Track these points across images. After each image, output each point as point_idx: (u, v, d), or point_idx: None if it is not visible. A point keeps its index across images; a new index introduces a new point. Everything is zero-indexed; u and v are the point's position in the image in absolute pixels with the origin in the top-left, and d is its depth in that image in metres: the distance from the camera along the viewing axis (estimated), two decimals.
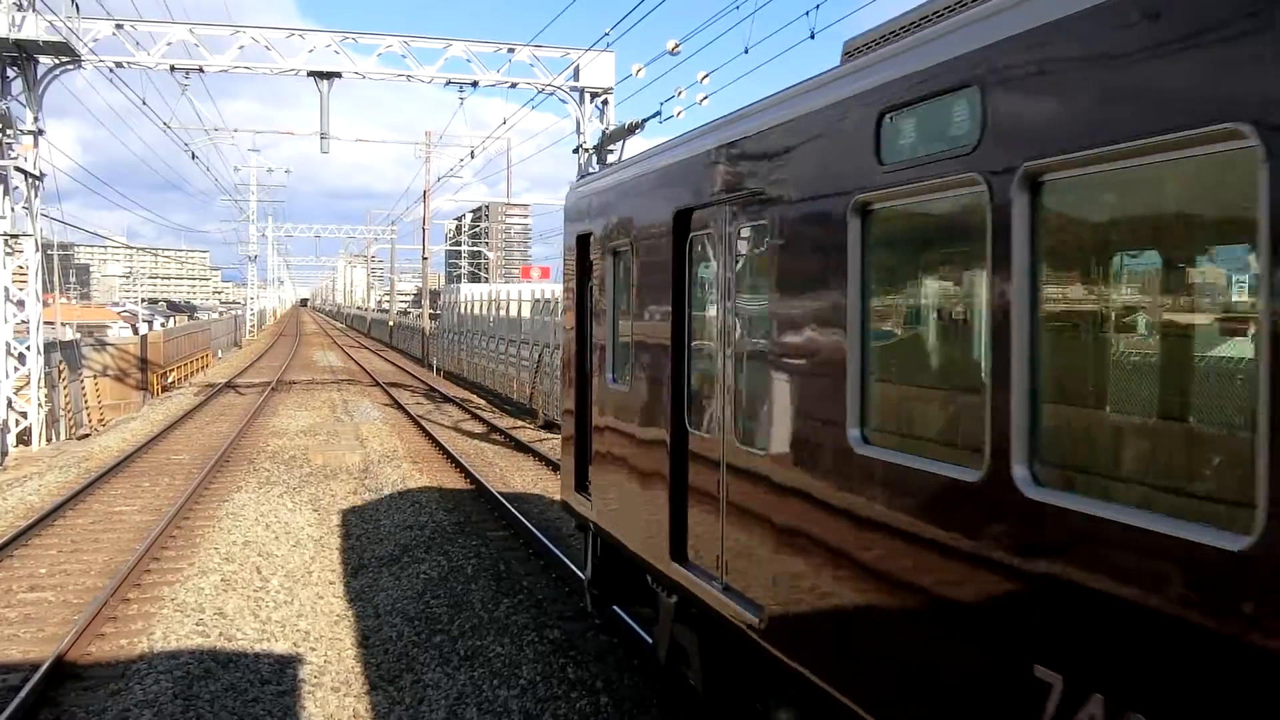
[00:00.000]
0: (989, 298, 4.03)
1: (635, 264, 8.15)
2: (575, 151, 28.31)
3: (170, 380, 46.55)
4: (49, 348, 29.29)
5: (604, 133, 27.16)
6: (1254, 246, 3.06)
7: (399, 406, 34.19)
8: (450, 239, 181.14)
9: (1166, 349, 3.96)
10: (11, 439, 25.84)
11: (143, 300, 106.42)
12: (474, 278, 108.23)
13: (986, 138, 4.07)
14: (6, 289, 25.97)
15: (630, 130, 25.05)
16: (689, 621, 7.37)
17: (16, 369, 26.45)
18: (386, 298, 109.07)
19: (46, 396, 27.72)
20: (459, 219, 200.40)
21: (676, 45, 21.62)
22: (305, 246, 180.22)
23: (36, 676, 9.64)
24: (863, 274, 4.99)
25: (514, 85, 28.45)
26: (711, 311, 6.95)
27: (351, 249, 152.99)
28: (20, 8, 24.01)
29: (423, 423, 29.28)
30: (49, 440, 27.64)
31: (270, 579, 13.47)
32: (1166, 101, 3.27)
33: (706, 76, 22.28)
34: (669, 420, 7.33)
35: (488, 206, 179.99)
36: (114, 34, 26.49)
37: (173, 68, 27.17)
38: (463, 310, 50.27)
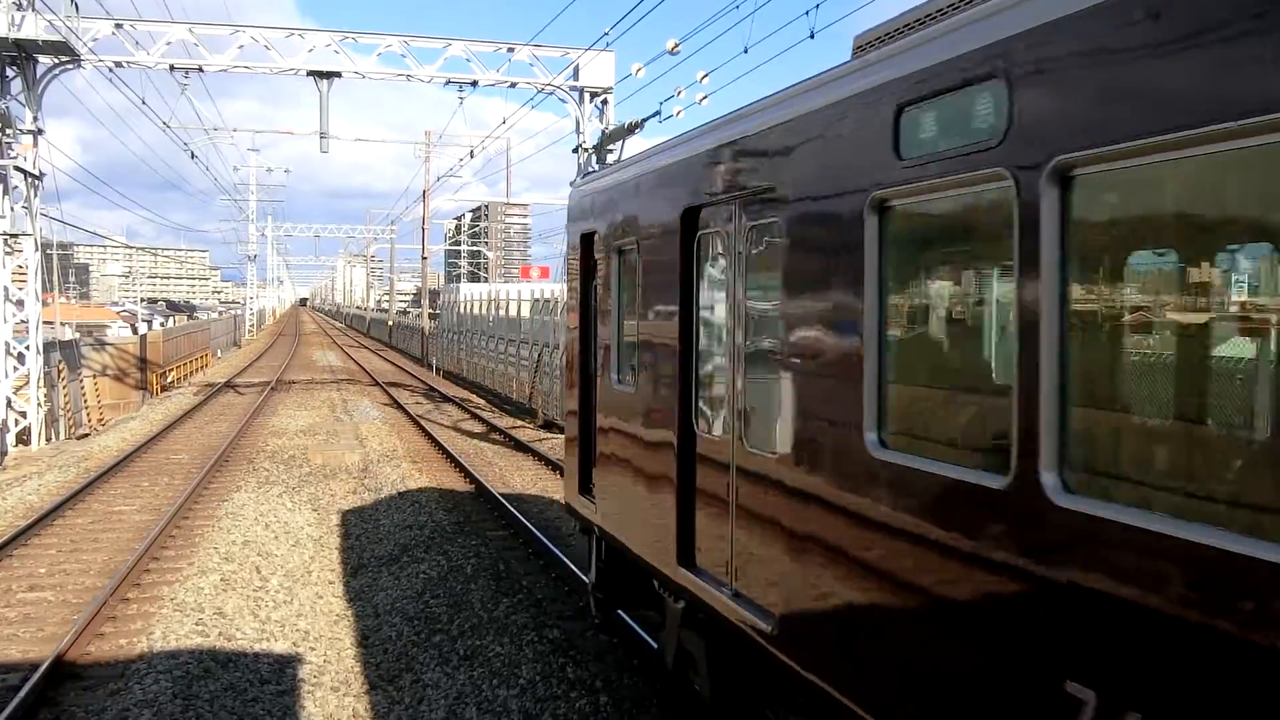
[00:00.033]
0: (1016, 297, 3.87)
1: (641, 263, 7.99)
2: (575, 151, 28.30)
3: (169, 380, 46.54)
4: (48, 347, 29.29)
5: (604, 132, 27.15)
6: None
7: (398, 406, 34.18)
8: (450, 239, 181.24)
9: (1205, 351, 3.80)
10: (11, 439, 25.83)
11: (142, 300, 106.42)
12: (473, 277, 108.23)
13: (1013, 131, 3.91)
14: (6, 288, 25.97)
15: (630, 130, 25.04)
16: (696, 627, 7.24)
17: (16, 369, 26.44)
18: (386, 297, 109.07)
19: (46, 396, 27.71)
20: (458, 219, 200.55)
21: (676, 45, 21.61)
22: (305, 246, 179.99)
23: (36, 676, 9.64)
24: (880, 272, 4.83)
25: (514, 85, 28.45)
26: (720, 311, 6.82)
27: (351, 249, 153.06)
28: (20, 7, 24.00)
29: (422, 422, 29.28)
30: (48, 440, 27.63)
31: (270, 579, 13.46)
32: (1215, 91, 3.09)
33: (706, 76, 22.27)
34: (676, 422, 7.19)
35: (487, 206, 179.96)
36: (113, 33, 26.48)
37: (172, 67, 27.15)
38: (462, 310, 50.27)
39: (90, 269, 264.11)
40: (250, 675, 10.07)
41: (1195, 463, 3.76)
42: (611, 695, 9.18)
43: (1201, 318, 3.79)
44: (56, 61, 26.05)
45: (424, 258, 70.00)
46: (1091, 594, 3.51)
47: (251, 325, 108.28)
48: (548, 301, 32.90)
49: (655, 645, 9.30)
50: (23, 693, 9.24)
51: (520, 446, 25.27)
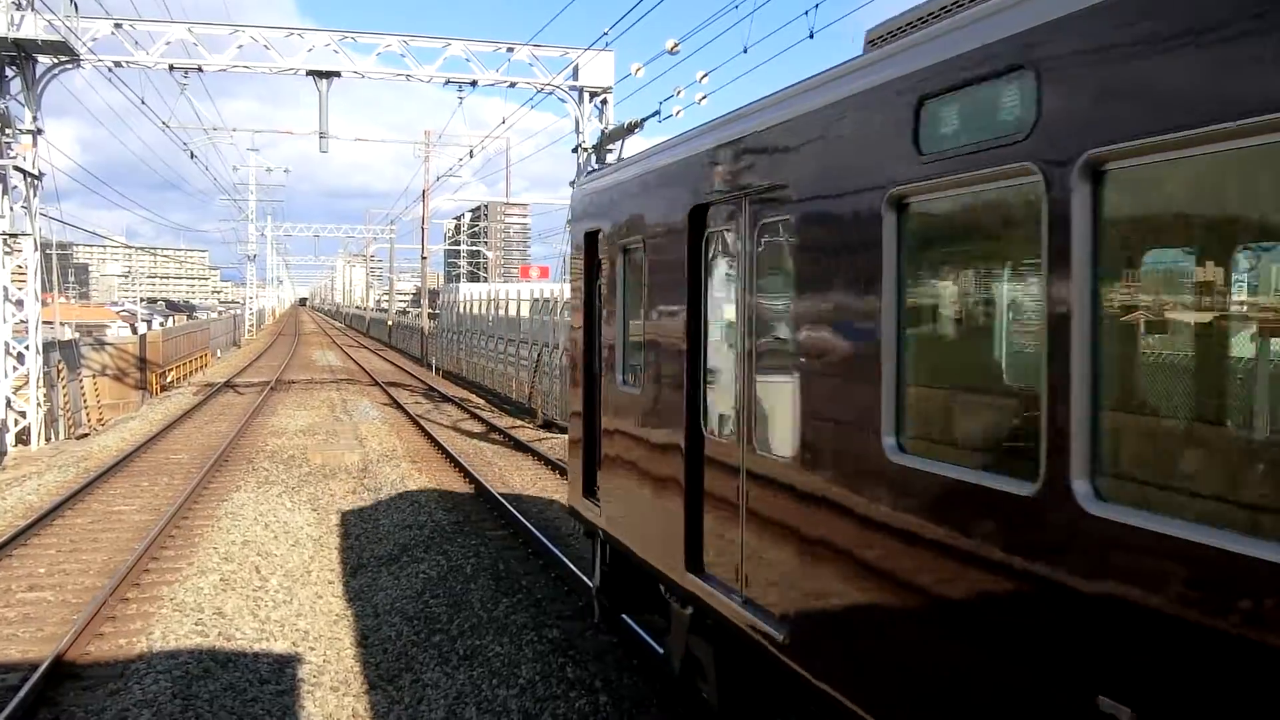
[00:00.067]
0: (1045, 296, 3.71)
1: (647, 262, 7.83)
2: (574, 151, 28.31)
3: (169, 380, 46.53)
4: (48, 347, 29.28)
5: (603, 132, 27.16)
6: None
7: (398, 406, 34.18)
8: (449, 238, 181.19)
9: (1247, 353, 3.66)
10: (10, 439, 25.83)
11: (141, 300, 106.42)
12: (473, 277, 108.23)
13: (1042, 124, 3.75)
14: (5, 288, 25.96)
15: (629, 129, 25.05)
16: (704, 634, 7.08)
17: (15, 368, 26.44)
18: (385, 297, 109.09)
19: (45, 396, 27.71)
20: (458, 218, 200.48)
21: (675, 44, 21.61)
22: (304, 246, 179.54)
23: (35, 676, 9.64)
24: (898, 270, 4.66)
25: (513, 85, 28.44)
26: (729, 311, 6.67)
27: (350, 248, 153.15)
28: (19, 7, 23.99)
29: (422, 422, 29.28)
30: (48, 440, 27.63)
31: (269, 578, 13.46)
32: (1261, 81, 2.93)
33: (705, 76, 22.27)
34: (683, 424, 7.02)
35: (487, 206, 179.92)
36: (113, 33, 26.47)
37: (171, 67, 27.15)
38: (462, 310, 50.28)
39: (90, 269, 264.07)
40: (250, 675, 10.07)
41: (1238, 469, 3.60)
42: (611, 695, 9.18)
43: (1243, 318, 3.67)
44: (56, 61, 26.04)
45: (423, 257, 70.03)
46: (1125, 607, 3.38)
47: (251, 325, 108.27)
48: (547, 301, 32.91)
49: (661, 651, 9.13)
50: (22, 693, 9.24)
51: (520, 446, 25.27)
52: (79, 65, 26.36)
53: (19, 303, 26.51)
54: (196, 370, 54.31)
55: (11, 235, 25.87)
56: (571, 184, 28.39)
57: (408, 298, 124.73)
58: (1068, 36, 3.66)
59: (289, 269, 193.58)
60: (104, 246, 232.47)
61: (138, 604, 12.39)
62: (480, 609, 11.78)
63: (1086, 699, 3.50)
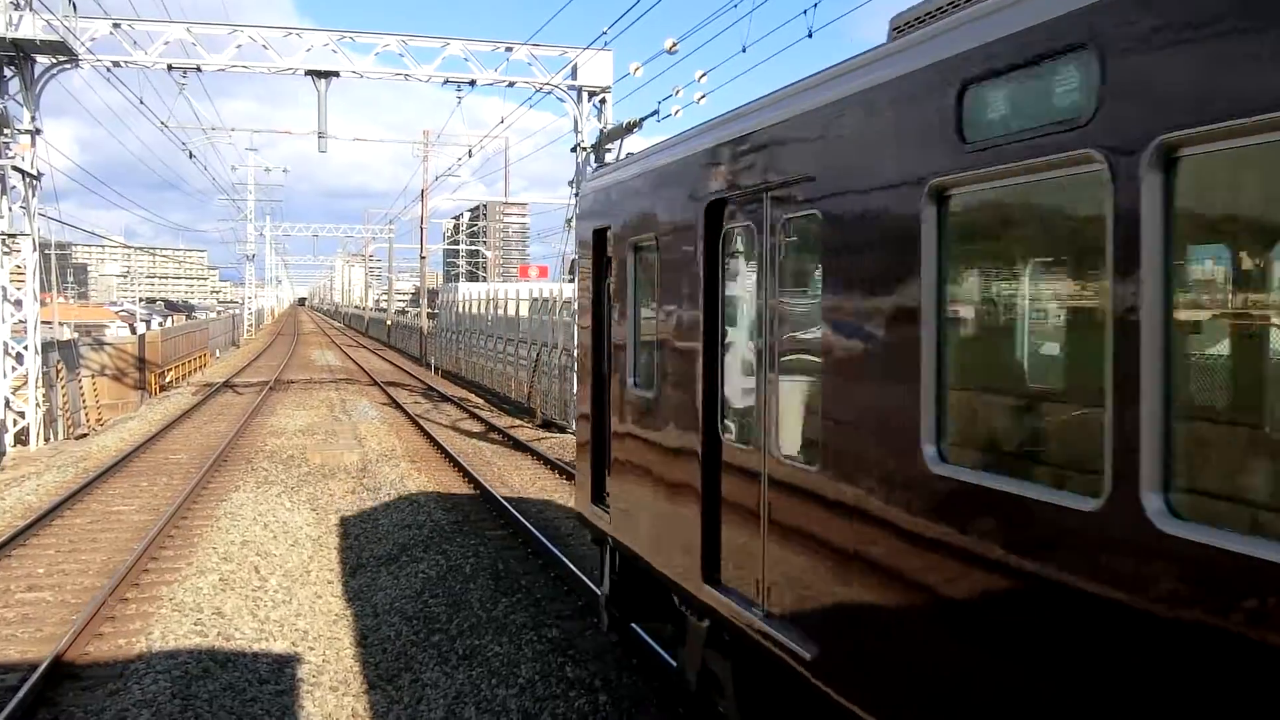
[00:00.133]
0: (1111, 294, 3.42)
1: (660, 259, 7.53)
2: (573, 150, 28.31)
3: (168, 380, 46.53)
4: (47, 347, 29.26)
5: (602, 131, 27.17)
6: None
7: (397, 405, 34.18)
8: (448, 238, 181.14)
9: None
10: (9, 439, 25.81)
11: (140, 299, 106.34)
12: (472, 277, 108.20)
13: (1106, 107, 3.44)
14: (4, 288, 25.95)
15: (628, 129, 25.06)
16: (722, 648, 6.77)
17: (14, 369, 26.43)
18: (384, 297, 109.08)
19: (44, 396, 27.69)
20: (457, 218, 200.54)
21: (674, 44, 21.62)
22: (303, 246, 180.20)
23: (35, 676, 9.63)
24: (939, 267, 4.35)
25: (512, 84, 28.44)
26: (748, 310, 6.39)
27: (349, 248, 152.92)
28: (17, 7, 23.97)
29: (421, 422, 29.28)
30: (47, 440, 27.61)
31: (268, 578, 13.46)
32: None
33: (704, 75, 22.30)
34: (699, 429, 6.71)
35: (485, 205, 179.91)
36: (111, 33, 26.46)
37: (170, 67, 27.14)
38: (461, 309, 50.29)
39: (88, 269, 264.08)
40: (249, 675, 10.07)
41: None
42: (610, 694, 9.18)
43: None
44: (54, 61, 26.03)
45: (422, 257, 70.04)
46: (1202, 633, 3.09)
47: (250, 325, 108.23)
48: (546, 301, 32.92)
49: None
50: (21, 693, 9.24)
51: (519, 446, 25.27)
52: (77, 65, 26.35)
53: (18, 303, 26.50)
54: (195, 370, 54.31)
55: (10, 235, 25.85)
56: (570, 183, 28.42)
57: (406, 297, 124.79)
58: (1136, 10, 3.38)
59: (288, 269, 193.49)
60: (103, 246, 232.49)
61: (137, 604, 12.39)
62: (479, 608, 11.78)
63: None
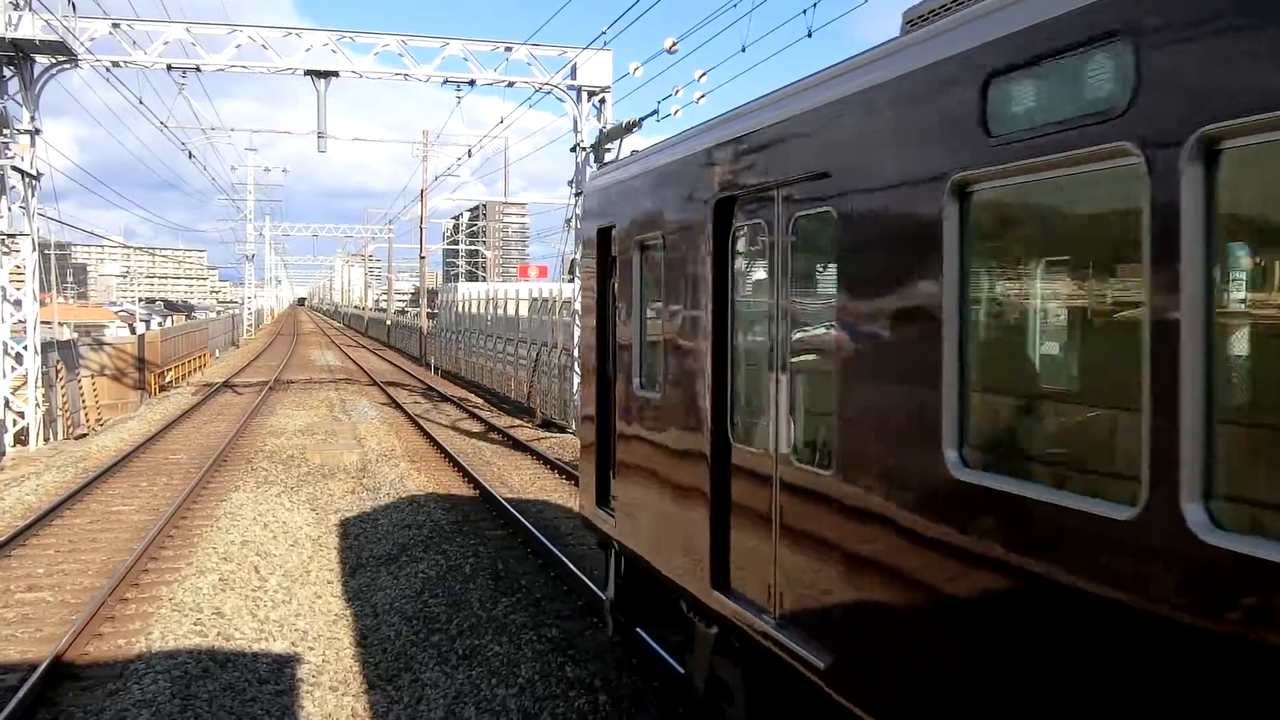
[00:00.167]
0: (1148, 293, 3.28)
1: (666, 259, 7.38)
2: (573, 150, 28.30)
3: (168, 380, 46.52)
4: (46, 347, 29.25)
5: (601, 131, 27.16)
6: None
7: (397, 405, 34.18)
8: (448, 238, 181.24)
9: None
10: (9, 439, 25.81)
11: (140, 299, 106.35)
12: (471, 276, 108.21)
13: (1142, 98, 3.30)
14: (4, 289, 25.94)
15: (628, 129, 25.06)
16: (732, 655, 6.65)
17: (14, 369, 26.42)
18: (384, 297, 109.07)
19: (44, 396, 27.68)
20: (456, 218, 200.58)
21: (674, 43, 21.63)
22: (302, 246, 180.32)
23: (34, 676, 9.63)
24: (961, 266, 4.22)
25: (511, 84, 28.43)
26: (759, 311, 6.25)
27: (349, 248, 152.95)
28: (17, 7, 23.97)
29: (420, 422, 29.28)
30: (46, 440, 27.61)
31: (268, 578, 13.46)
32: None
33: (704, 75, 22.30)
34: (708, 432, 6.56)
35: (485, 205, 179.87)
36: (111, 33, 26.44)
37: (169, 67, 27.13)
38: (460, 309, 50.29)
39: (88, 269, 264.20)
40: (249, 675, 10.07)
41: None
42: (610, 694, 9.18)
43: None
44: (54, 61, 26.02)
45: (422, 257, 70.06)
46: (1247, 648, 2.95)
47: (249, 325, 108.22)
48: (545, 301, 32.92)
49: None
50: (21, 693, 9.24)
51: (519, 445, 25.28)
52: (77, 65, 26.34)
53: (17, 303, 26.49)
54: (195, 370, 54.30)
55: (10, 235, 25.85)
56: (570, 183, 28.41)
57: (406, 297, 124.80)
58: None
59: (287, 269, 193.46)
60: (102, 246, 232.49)
61: (136, 604, 12.39)
62: (479, 608, 11.78)
63: None
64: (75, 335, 42.06)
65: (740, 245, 6.45)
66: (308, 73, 27.27)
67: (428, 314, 65.41)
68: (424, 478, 20.92)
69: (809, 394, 5.68)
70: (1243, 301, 3.37)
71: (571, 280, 29.21)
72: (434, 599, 12.26)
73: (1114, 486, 3.52)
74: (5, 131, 25.18)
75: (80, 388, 34.41)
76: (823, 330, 5.46)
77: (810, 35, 16.52)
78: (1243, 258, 3.38)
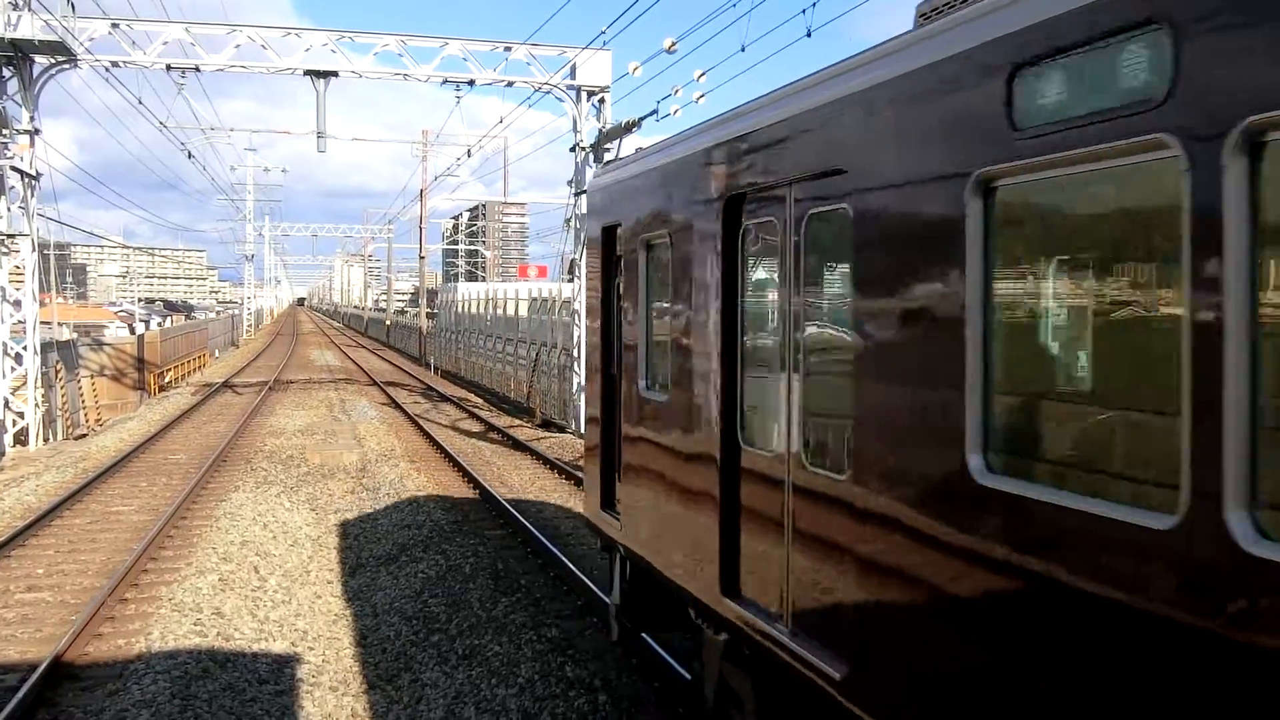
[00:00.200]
0: (1188, 293, 3.13)
1: (674, 258, 7.21)
2: (572, 150, 28.30)
3: (167, 380, 46.52)
4: (46, 348, 29.25)
5: (601, 131, 27.16)
6: None
7: (396, 405, 34.18)
8: (447, 238, 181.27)
9: None
10: (9, 439, 25.80)
11: (139, 300, 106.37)
12: (471, 276, 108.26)
13: (1181, 88, 3.14)
14: (3, 289, 25.94)
15: (628, 128, 25.04)
16: (741, 663, 6.51)
17: (13, 369, 26.42)
18: (383, 297, 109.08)
19: (43, 396, 27.68)
20: (456, 218, 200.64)
21: (673, 43, 21.63)
22: (302, 246, 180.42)
23: (34, 677, 9.63)
24: (985, 264, 4.08)
25: (510, 84, 28.42)
26: (770, 311, 6.12)
27: (349, 248, 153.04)
28: (16, 7, 23.95)
29: (420, 422, 29.28)
30: (46, 440, 27.60)
31: (268, 578, 13.46)
32: None
33: (703, 75, 22.30)
34: (717, 434, 6.42)
35: (485, 205, 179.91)
36: (110, 33, 26.44)
37: (169, 67, 27.13)
38: (460, 309, 50.30)
39: (88, 269, 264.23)
40: (249, 675, 10.07)
41: None
42: (610, 694, 9.18)
43: None
44: (53, 61, 26.01)
45: (421, 257, 70.07)
46: None
47: (249, 325, 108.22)
48: (545, 300, 32.93)
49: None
50: (21, 693, 9.23)
51: (518, 445, 25.28)
52: (76, 65, 26.34)
53: (17, 303, 26.48)
54: (195, 370, 54.30)
55: (9, 236, 25.84)
56: (569, 183, 28.41)
57: (406, 297, 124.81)
58: None
59: (287, 269, 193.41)
60: (101, 247, 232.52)
61: (136, 604, 12.39)
62: (479, 608, 11.78)
63: None
64: (75, 335, 42.05)
65: (750, 243, 6.31)
66: (307, 73, 27.26)
67: (427, 314, 65.42)
68: (424, 478, 20.92)
69: (823, 396, 5.54)
70: None
71: (571, 280, 29.23)
72: (434, 599, 12.26)
73: (1150, 494, 3.39)
74: (4, 131, 25.17)
75: (80, 388, 34.41)
76: (837, 330, 5.34)
77: (809, 35, 16.51)
78: None
